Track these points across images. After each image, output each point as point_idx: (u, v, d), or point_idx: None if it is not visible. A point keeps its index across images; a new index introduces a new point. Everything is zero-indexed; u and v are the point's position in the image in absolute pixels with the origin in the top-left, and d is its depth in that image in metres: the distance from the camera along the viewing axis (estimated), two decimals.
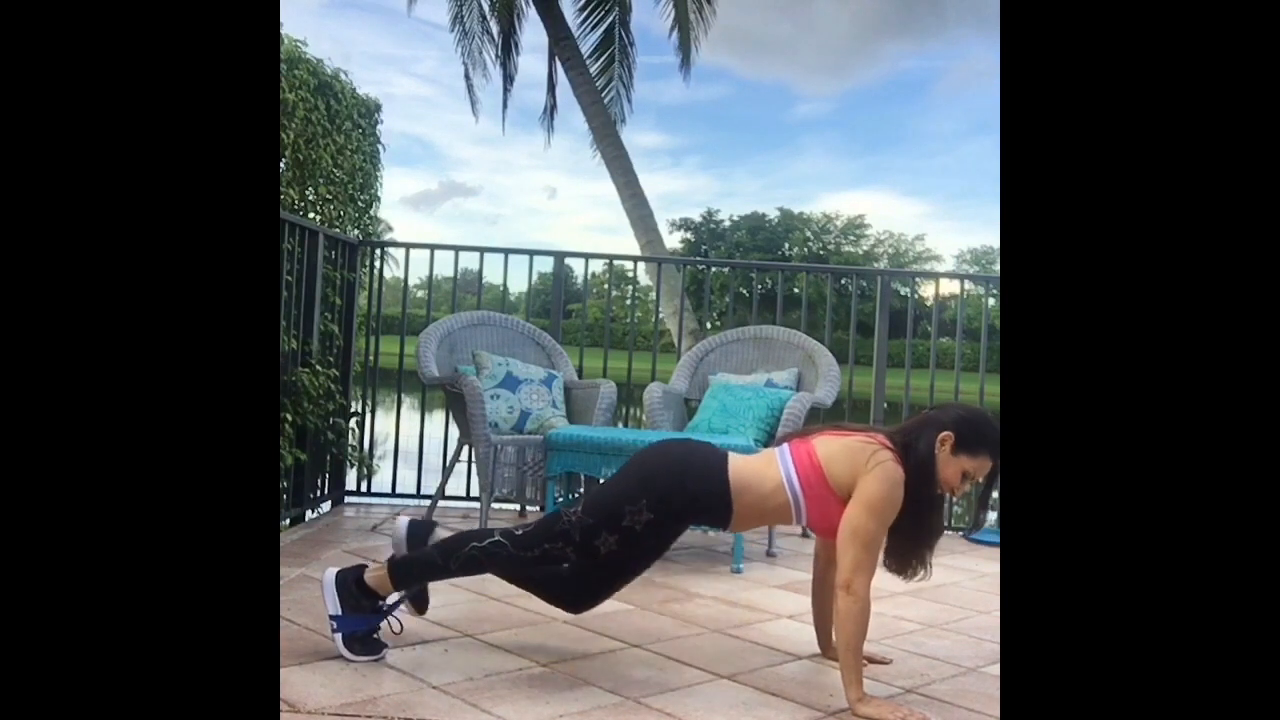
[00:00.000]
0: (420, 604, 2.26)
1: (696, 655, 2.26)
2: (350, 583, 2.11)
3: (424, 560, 2.13)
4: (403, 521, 2.27)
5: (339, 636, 2.08)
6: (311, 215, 4.00)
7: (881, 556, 2.09)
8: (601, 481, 3.16)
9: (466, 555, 2.09)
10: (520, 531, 2.10)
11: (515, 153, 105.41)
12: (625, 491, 2.08)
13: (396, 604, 2.16)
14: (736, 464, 2.13)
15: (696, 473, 2.10)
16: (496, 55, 13.88)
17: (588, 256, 4.69)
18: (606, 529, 2.04)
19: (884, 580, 2.16)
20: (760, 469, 2.12)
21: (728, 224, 50.37)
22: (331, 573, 2.14)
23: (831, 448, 2.07)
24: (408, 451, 4.37)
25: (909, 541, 2.08)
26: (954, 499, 2.18)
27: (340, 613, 2.09)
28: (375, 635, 2.12)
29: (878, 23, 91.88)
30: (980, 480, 2.10)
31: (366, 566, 2.16)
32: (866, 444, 2.04)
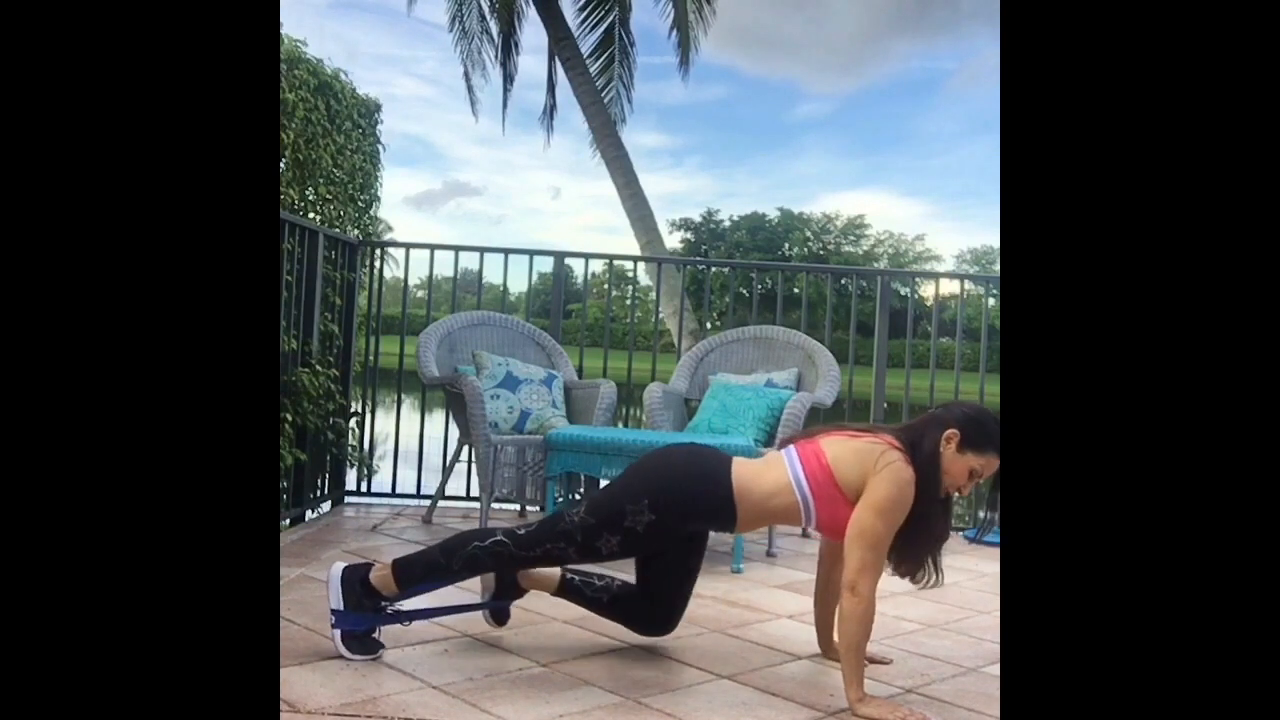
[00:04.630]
0: (500, 617, 2.34)
1: (696, 655, 2.25)
2: (355, 581, 2.12)
3: (426, 560, 2.14)
4: (336, 567, 2.17)
5: (337, 633, 2.09)
6: (311, 215, 4.00)
7: (889, 563, 2.09)
8: (603, 483, 3.16)
9: (469, 554, 2.10)
10: (523, 531, 2.11)
11: (515, 153, 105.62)
12: (627, 492, 2.09)
13: (405, 616, 2.16)
14: (740, 467, 2.13)
15: (698, 475, 2.11)
16: (496, 55, 13.89)
17: (588, 256, 4.69)
18: (608, 530, 2.05)
19: (884, 580, 2.16)
20: (764, 472, 2.12)
21: (728, 224, 50.36)
22: (339, 567, 2.14)
23: (840, 449, 2.07)
24: (408, 451, 4.37)
25: (916, 546, 2.07)
26: (959, 498, 2.16)
27: (342, 608, 2.09)
28: (373, 635, 2.12)
29: (889, 18, 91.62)
30: (986, 480, 2.09)
31: (373, 565, 2.16)
32: (875, 444, 2.04)
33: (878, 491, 1.98)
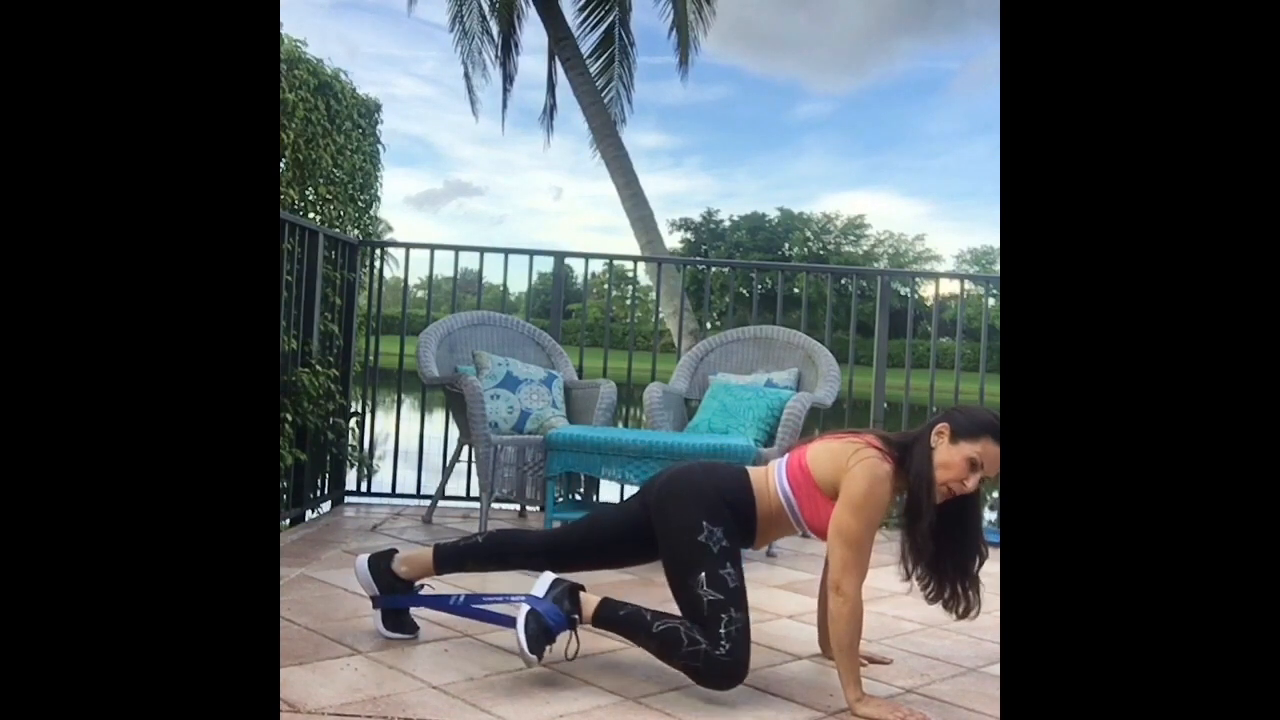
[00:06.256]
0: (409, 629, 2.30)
1: None
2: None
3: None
4: (361, 560, 2.27)
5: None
6: (311, 215, 4.00)
7: (928, 591, 2.09)
8: (602, 483, 3.14)
9: (623, 619, 2.06)
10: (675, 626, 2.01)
11: (516, 153, 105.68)
12: (683, 525, 2.03)
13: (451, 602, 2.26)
14: (753, 474, 2.17)
15: (724, 483, 2.12)
16: (496, 55, 13.88)
17: (588, 256, 4.69)
18: (709, 567, 1.98)
19: (885, 580, 2.16)
20: (765, 475, 2.16)
21: (728, 224, 50.32)
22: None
23: (819, 449, 2.10)
24: (408, 451, 4.37)
25: (935, 567, 2.06)
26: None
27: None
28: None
29: (893, 17, 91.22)
30: (991, 473, 2.03)
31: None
32: (852, 443, 2.05)
33: (849, 487, 1.99)
